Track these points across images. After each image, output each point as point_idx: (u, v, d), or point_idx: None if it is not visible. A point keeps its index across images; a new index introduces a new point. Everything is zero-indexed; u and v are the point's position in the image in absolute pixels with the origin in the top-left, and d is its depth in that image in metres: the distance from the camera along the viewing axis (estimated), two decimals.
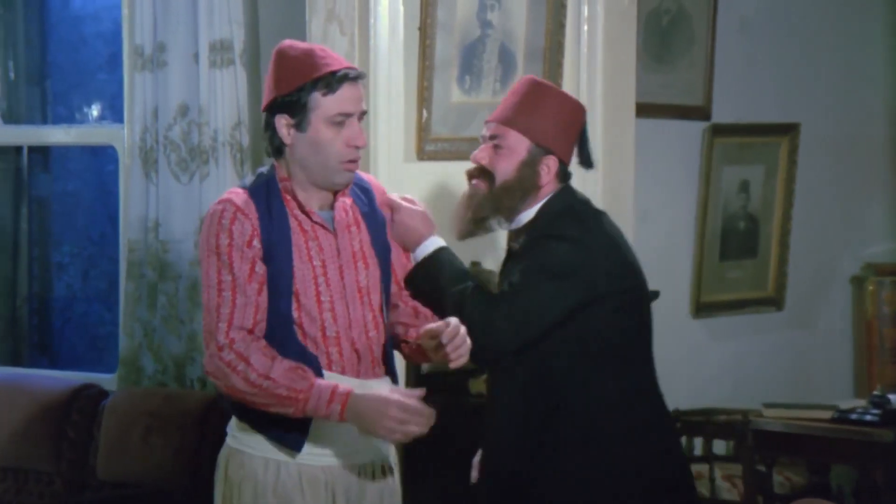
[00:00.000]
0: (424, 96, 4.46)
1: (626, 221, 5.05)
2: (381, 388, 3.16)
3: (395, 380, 3.28)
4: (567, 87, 4.94)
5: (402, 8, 4.44)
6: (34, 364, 5.67)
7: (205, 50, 4.80)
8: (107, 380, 5.12)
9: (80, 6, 5.69)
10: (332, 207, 3.20)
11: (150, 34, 4.90)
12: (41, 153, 5.73)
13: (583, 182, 4.97)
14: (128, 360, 4.99)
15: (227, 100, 4.79)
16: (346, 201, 3.22)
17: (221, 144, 4.79)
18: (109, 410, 4.84)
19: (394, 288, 3.30)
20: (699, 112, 5.82)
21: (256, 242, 3.11)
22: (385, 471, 3.23)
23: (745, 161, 5.99)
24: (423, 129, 4.45)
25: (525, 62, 4.81)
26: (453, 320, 3.12)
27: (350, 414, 3.03)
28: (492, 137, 3.44)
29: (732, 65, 5.87)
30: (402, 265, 3.33)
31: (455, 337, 3.08)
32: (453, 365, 3.10)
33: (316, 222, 3.17)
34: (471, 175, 3.47)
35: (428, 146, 4.47)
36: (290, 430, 3.12)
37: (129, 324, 4.97)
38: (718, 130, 5.86)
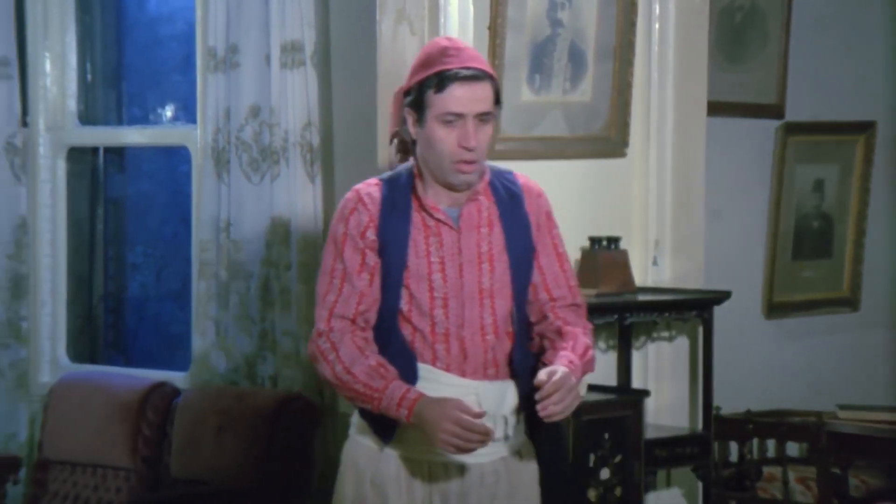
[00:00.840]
0: None
1: (696, 220, 5.03)
2: (489, 392, 3.12)
3: (522, 385, 3.15)
4: (638, 85, 4.91)
5: (472, 7, 4.45)
6: (109, 362, 5.73)
7: (276, 51, 4.82)
8: (179, 378, 5.16)
9: (154, 9, 5.74)
10: (462, 205, 3.15)
11: (223, 36, 4.93)
12: (116, 154, 5.78)
13: (654, 181, 4.99)
14: (200, 358, 5.02)
15: (297, 101, 4.81)
16: (482, 200, 3.17)
17: (292, 145, 4.81)
18: (182, 408, 4.88)
19: (544, 296, 3.20)
20: (772, 110, 5.76)
21: (371, 234, 3.11)
22: (497, 473, 3.16)
23: (820, 160, 5.92)
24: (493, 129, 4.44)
25: (595, 61, 4.79)
26: (560, 372, 3.00)
27: (415, 419, 3.02)
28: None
29: (807, 62, 5.80)
30: (554, 274, 3.20)
31: (552, 394, 2.98)
32: (544, 419, 3.00)
33: (438, 219, 3.13)
34: None
35: (497, 145, 4.45)
36: (383, 421, 3.11)
37: (202, 323, 5.01)
38: (792, 129, 5.80)
